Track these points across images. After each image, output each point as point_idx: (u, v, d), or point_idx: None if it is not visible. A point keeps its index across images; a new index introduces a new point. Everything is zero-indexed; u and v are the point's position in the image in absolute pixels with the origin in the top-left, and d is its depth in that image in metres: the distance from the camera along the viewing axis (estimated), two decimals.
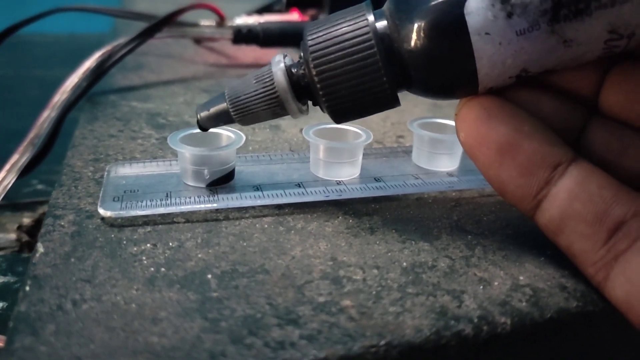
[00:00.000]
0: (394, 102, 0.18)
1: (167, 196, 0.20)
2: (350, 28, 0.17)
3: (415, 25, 0.16)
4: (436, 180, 0.23)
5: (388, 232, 0.20)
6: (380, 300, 0.16)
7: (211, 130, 0.22)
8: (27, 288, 0.15)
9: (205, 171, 0.21)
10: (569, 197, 0.16)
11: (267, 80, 0.19)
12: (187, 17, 0.41)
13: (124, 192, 0.21)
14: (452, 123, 0.25)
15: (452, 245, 0.19)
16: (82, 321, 0.14)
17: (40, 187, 0.35)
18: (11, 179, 0.23)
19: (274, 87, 0.19)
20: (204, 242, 0.18)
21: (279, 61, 0.19)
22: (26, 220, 0.31)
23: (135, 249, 0.18)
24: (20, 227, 0.30)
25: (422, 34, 0.16)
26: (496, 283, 0.17)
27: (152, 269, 0.17)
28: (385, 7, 0.18)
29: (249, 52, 0.47)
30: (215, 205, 0.20)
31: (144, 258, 0.17)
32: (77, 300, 0.15)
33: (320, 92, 0.18)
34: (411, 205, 0.22)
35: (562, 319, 0.16)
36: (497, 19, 0.15)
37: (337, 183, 0.22)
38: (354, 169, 0.23)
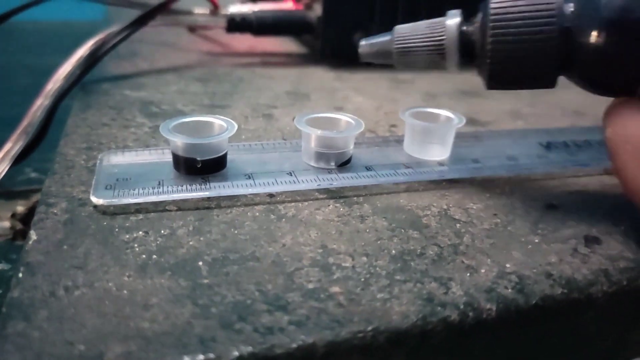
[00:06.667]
0: (551, 83, 0.19)
1: (159, 184, 0.21)
2: (538, 1, 0.18)
3: (600, 18, 0.17)
4: (427, 170, 0.23)
5: (378, 220, 0.20)
6: (369, 287, 0.16)
7: (203, 119, 0.22)
8: (20, 275, 0.16)
9: (197, 159, 0.21)
10: None
11: (439, 28, 0.20)
12: (180, 5, 0.41)
13: (117, 180, 0.21)
14: (444, 112, 0.25)
15: (440, 233, 0.19)
16: (74, 307, 0.14)
17: (33, 175, 0.35)
18: (4, 167, 0.23)
19: (444, 35, 0.20)
20: (196, 230, 0.18)
21: (455, 14, 0.20)
22: (20, 208, 0.31)
23: (127, 236, 0.18)
24: (14, 215, 0.30)
25: (605, 28, 0.17)
26: (483, 270, 0.17)
27: (144, 256, 0.17)
28: None
29: (243, 41, 0.47)
30: (207, 193, 0.20)
31: (135, 245, 0.17)
32: (70, 286, 0.15)
33: (489, 54, 0.18)
34: (401, 194, 0.22)
35: (547, 306, 0.16)
36: None
37: (329, 172, 0.22)
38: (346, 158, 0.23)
